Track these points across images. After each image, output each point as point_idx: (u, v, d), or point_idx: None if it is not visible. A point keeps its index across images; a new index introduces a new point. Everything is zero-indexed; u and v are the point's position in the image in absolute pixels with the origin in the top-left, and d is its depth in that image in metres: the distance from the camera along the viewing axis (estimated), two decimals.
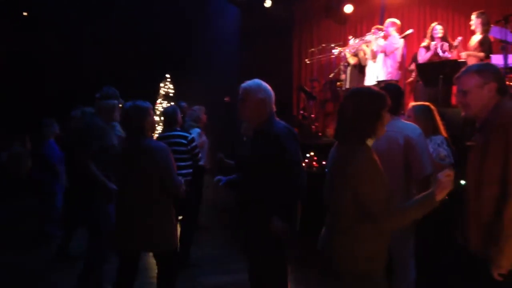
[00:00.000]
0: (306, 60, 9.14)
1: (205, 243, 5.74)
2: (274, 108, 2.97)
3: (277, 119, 2.96)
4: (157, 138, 4.77)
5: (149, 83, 9.80)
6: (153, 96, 10.31)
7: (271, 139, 2.82)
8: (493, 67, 2.39)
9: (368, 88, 2.32)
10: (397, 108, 3.18)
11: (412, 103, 3.77)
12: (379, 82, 6.92)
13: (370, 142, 2.20)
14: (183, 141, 4.73)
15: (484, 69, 2.31)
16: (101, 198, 3.65)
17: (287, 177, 2.75)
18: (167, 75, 10.36)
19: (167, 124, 4.86)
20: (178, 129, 4.85)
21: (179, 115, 4.90)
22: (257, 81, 2.96)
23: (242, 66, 9.32)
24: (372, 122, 2.15)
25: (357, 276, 2.11)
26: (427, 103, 3.74)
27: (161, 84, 10.41)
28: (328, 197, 2.25)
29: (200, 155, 4.96)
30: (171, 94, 10.43)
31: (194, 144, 4.81)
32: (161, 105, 10.46)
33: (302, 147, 6.28)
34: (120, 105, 3.82)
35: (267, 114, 2.90)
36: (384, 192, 2.06)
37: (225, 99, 9.40)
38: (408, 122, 3.30)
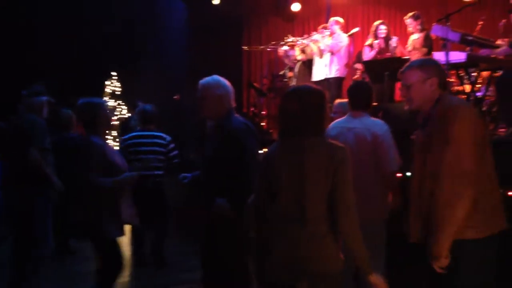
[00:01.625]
0: (245, 47, 9.19)
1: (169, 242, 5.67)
2: (234, 104, 2.99)
3: (237, 115, 2.99)
4: (134, 136, 4.70)
5: (94, 81, 9.50)
6: (99, 94, 10.01)
7: (229, 134, 2.83)
8: (435, 62, 2.47)
9: (307, 85, 2.38)
10: (367, 105, 3.35)
11: (337, 100, 3.89)
12: (328, 79, 7.10)
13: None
14: (162, 141, 4.70)
15: (426, 64, 2.39)
16: (43, 198, 3.60)
17: (244, 172, 2.76)
18: (113, 73, 10.07)
19: (145, 123, 4.78)
20: (156, 129, 4.80)
21: (156, 114, 4.87)
22: (215, 77, 2.98)
23: (191, 63, 9.23)
24: (322, 117, 2.22)
25: (337, 275, 2.14)
26: None
27: (107, 82, 10.11)
28: (286, 196, 2.19)
29: (176, 159, 4.90)
30: (117, 93, 10.16)
31: (173, 145, 4.77)
32: (107, 103, 10.18)
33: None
34: (47, 102, 3.90)
35: (226, 110, 2.92)
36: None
37: (174, 97, 9.28)
38: (375, 119, 3.42)
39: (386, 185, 3.30)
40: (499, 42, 5.93)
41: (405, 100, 2.43)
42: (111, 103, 10.15)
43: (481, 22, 6.59)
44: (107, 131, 3.26)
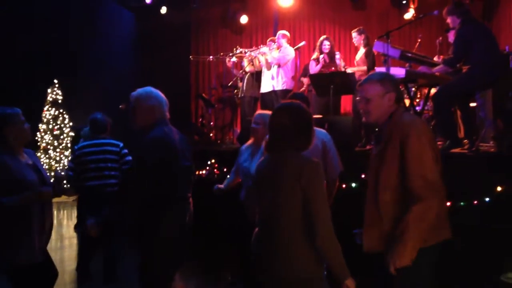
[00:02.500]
0: (191, 57, 9.22)
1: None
2: (168, 116, 2.95)
3: (171, 127, 2.93)
4: (84, 146, 4.51)
5: (35, 89, 9.11)
6: (40, 102, 9.61)
7: (138, 146, 2.85)
8: (393, 77, 2.54)
9: (299, 103, 2.41)
10: None
11: (258, 111, 4.00)
12: (275, 91, 7.23)
13: None
14: (115, 149, 4.51)
15: (385, 79, 2.46)
16: None
17: (129, 183, 2.82)
18: (55, 81, 9.71)
19: (96, 132, 4.58)
20: (108, 137, 4.60)
21: (109, 123, 4.66)
22: (148, 88, 2.95)
23: (138, 73, 9.09)
24: (310, 134, 2.32)
25: (303, 281, 2.18)
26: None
27: (49, 90, 9.73)
28: (266, 205, 2.29)
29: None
30: (59, 101, 9.79)
31: (125, 151, 4.59)
32: (49, 112, 9.78)
33: (203, 155, 6.32)
34: None
35: (154, 121, 2.85)
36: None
37: (120, 106, 9.08)
38: (319, 128, 3.56)
39: (330, 188, 3.48)
40: (436, 59, 6.30)
41: (363, 113, 2.50)
42: (52, 111, 9.77)
43: (419, 40, 6.99)
44: (21, 144, 2.95)
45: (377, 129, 2.55)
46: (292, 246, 2.17)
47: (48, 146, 9.63)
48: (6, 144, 2.85)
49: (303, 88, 7.97)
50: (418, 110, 5.79)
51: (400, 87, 5.11)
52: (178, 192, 2.87)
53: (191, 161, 3.03)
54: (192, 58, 9.23)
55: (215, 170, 6.31)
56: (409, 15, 8.57)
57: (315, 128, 3.47)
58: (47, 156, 9.59)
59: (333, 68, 6.95)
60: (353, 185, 4.50)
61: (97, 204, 3.53)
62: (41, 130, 9.64)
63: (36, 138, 9.49)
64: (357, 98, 2.54)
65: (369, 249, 2.41)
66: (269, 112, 3.80)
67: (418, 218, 2.19)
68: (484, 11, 8.48)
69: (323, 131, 3.58)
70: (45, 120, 9.70)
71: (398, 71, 4.67)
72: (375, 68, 6.03)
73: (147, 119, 2.86)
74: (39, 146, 9.53)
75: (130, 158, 4.57)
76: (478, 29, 4.72)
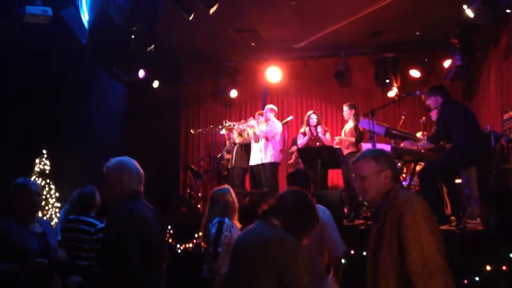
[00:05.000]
0: (191, 130, 9.33)
1: None
2: (141, 190, 2.73)
3: (144, 202, 2.72)
4: (67, 221, 4.35)
5: (22, 159, 9.07)
6: (27, 172, 9.53)
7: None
8: (388, 154, 2.42)
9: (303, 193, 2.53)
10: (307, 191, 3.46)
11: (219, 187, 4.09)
12: (263, 164, 7.31)
13: None
14: (89, 228, 4.20)
15: (380, 155, 2.35)
16: None
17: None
18: (44, 151, 9.71)
19: (82, 207, 4.37)
20: (93, 214, 4.35)
21: (98, 199, 4.42)
22: (120, 158, 2.77)
23: (128, 145, 9.15)
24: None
25: None
26: (226, 187, 4.03)
27: (37, 160, 9.70)
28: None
29: None
30: (47, 172, 9.73)
31: (101, 235, 4.21)
32: (34, 184, 9.66)
33: (190, 227, 6.23)
34: None
35: (123, 194, 2.64)
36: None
37: None
38: (317, 204, 3.54)
39: (334, 268, 3.41)
40: (419, 135, 6.50)
41: (358, 191, 2.36)
42: (39, 181, 9.67)
43: (403, 117, 7.24)
44: (30, 213, 3.03)
45: (366, 206, 2.56)
46: None
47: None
48: (15, 212, 2.96)
49: (291, 161, 8.08)
50: (405, 186, 5.88)
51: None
52: (147, 280, 2.52)
53: (165, 242, 2.82)
54: (193, 132, 9.35)
55: (202, 243, 6.20)
56: (392, 93, 8.93)
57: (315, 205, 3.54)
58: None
59: (317, 143, 7.11)
60: (342, 261, 4.45)
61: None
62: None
63: None
64: (353, 175, 2.45)
65: None
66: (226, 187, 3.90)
67: None
68: (464, 91, 8.87)
69: (321, 207, 3.47)
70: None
71: (384, 148, 4.80)
72: (361, 143, 6.18)
73: (115, 192, 2.66)
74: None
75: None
76: (458, 108, 4.94)
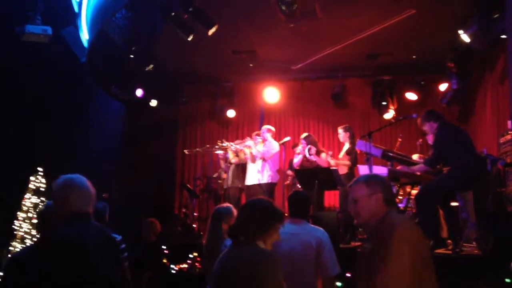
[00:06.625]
0: (185, 151, 9.31)
1: None
2: (88, 209, 2.54)
3: (91, 223, 2.54)
4: None
5: (17, 176, 9.02)
6: (21, 190, 9.47)
7: None
8: (380, 179, 2.51)
9: (263, 199, 2.57)
10: (307, 213, 3.61)
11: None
12: (260, 184, 7.28)
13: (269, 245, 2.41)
14: None
15: (371, 180, 2.44)
16: None
17: None
18: (40, 169, 9.67)
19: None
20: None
21: (107, 213, 4.39)
22: (69, 176, 2.61)
23: (124, 164, 9.13)
24: (266, 230, 2.40)
25: None
26: (230, 205, 3.93)
27: (32, 178, 9.64)
28: None
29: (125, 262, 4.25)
30: (42, 189, 9.67)
31: (121, 247, 4.07)
32: (29, 200, 9.61)
33: (185, 248, 6.18)
34: None
35: (69, 214, 2.48)
36: None
37: (103, 195, 8.99)
38: (316, 226, 3.62)
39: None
40: (416, 157, 6.51)
41: (353, 214, 2.48)
42: (33, 199, 9.60)
43: (399, 139, 7.26)
44: None
45: (361, 229, 2.57)
46: None
47: (25, 235, 9.33)
48: None
49: (288, 181, 8.07)
50: (401, 208, 5.86)
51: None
52: None
53: (113, 266, 2.56)
54: (187, 152, 9.35)
55: (197, 263, 6.14)
56: (389, 115, 8.99)
57: (313, 225, 3.55)
58: (23, 246, 9.24)
59: (313, 158, 7.04)
60: (338, 284, 4.41)
61: None
62: (20, 219, 9.40)
63: (14, 226, 9.22)
64: (349, 198, 2.54)
65: None
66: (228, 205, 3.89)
67: None
68: (460, 114, 8.92)
69: (320, 229, 3.55)
70: (24, 208, 9.50)
71: (381, 170, 4.82)
72: (358, 165, 6.18)
73: (60, 211, 2.50)
74: (16, 235, 9.23)
75: (126, 254, 4.15)
76: (454, 132, 4.97)
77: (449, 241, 4.86)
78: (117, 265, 2.61)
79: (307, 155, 7.00)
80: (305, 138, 7.24)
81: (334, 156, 7.40)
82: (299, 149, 7.40)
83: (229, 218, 3.78)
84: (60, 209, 2.52)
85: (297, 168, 7.18)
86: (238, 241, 2.38)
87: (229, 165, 8.29)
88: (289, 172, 7.91)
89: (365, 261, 2.34)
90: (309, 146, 7.05)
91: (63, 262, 2.33)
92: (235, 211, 3.85)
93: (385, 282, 2.12)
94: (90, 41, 7.51)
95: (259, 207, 2.47)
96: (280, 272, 2.27)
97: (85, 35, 7.87)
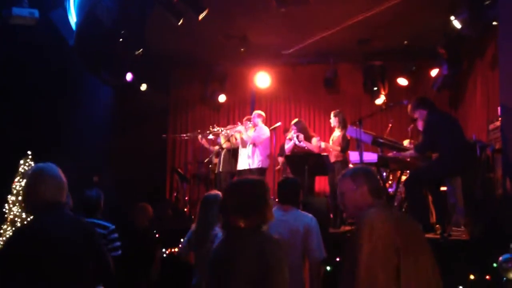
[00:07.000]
0: (184, 135, 9.25)
1: None
2: (60, 199, 2.53)
3: (65, 213, 2.52)
4: None
5: (6, 159, 8.95)
6: (11, 173, 9.40)
7: None
8: (365, 171, 2.52)
9: (248, 178, 2.50)
10: (297, 200, 3.60)
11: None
12: (250, 169, 7.29)
13: (265, 227, 2.32)
14: (103, 231, 4.14)
15: (357, 173, 2.48)
16: None
17: None
18: (29, 152, 9.59)
19: (88, 210, 4.29)
20: (99, 217, 4.30)
21: (101, 199, 4.40)
22: (40, 165, 2.60)
23: (114, 148, 9.07)
24: (262, 208, 2.30)
25: None
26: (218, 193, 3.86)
27: (21, 161, 9.56)
28: None
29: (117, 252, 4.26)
30: None
31: (114, 236, 4.23)
32: (19, 183, 9.54)
33: (176, 232, 6.22)
34: None
35: (39, 204, 2.48)
36: None
37: (93, 178, 8.96)
38: (305, 212, 3.65)
39: (312, 274, 3.46)
40: (406, 143, 6.55)
41: (342, 207, 2.56)
42: (23, 183, 9.53)
43: (390, 124, 7.29)
44: None
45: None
46: None
47: (16, 219, 9.29)
48: None
49: (278, 167, 8.09)
50: (391, 192, 5.91)
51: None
52: None
53: (89, 255, 2.52)
54: (164, 136, 9.30)
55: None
56: (380, 100, 9.01)
57: (301, 212, 3.57)
58: (14, 228, 9.21)
59: (300, 149, 7.05)
60: (328, 268, 4.45)
61: None
62: (10, 202, 9.34)
63: (4, 209, 9.18)
64: (338, 192, 2.56)
65: None
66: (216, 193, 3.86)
67: None
68: (451, 100, 8.97)
69: (309, 215, 3.58)
70: (14, 191, 9.43)
71: (371, 157, 4.83)
72: (349, 151, 6.20)
73: (31, 201, 2.52)
74: (6, 218, 9.19)
75: (118, 244, 4.25)
76: (444, 119, 4.99)
77: (437, 226, 4.91)
78: (96, 255, 2.56)
79: (297, 143, 7.00)
80: (295, 124, 7.24)
81: (325, 141, 7.41)
82: (290, 134, 7.40)
83: (218, 205, 3.77)
84: (31, 199, 2.51)
85: (288, 153, 7.19)
86: (237, 227, 2.26)
87: (220, 149, 8.28)
88: (280, 158, 7.92)
89: (348, 253, 2.31)
90: (297, 134, 7.04)
91: (36, 253, 2.33)
92: None
93: (358, 273, 2.12)
94: (78, 24, 7.39)
95: (249, 187, 2.35)
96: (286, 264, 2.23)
97: (73, 18, 7.74)
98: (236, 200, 2.29)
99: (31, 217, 2.59)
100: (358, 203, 2.41)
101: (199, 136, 8.40)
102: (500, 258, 3.36)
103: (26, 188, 2.56)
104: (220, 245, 2.34)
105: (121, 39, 7.73)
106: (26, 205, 2.59)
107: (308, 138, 7.08)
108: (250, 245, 2.18)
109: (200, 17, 6.24)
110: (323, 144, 7.01)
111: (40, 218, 2.46)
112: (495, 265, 3.70)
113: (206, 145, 8.59)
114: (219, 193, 3.91)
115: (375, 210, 2.32)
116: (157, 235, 6.18)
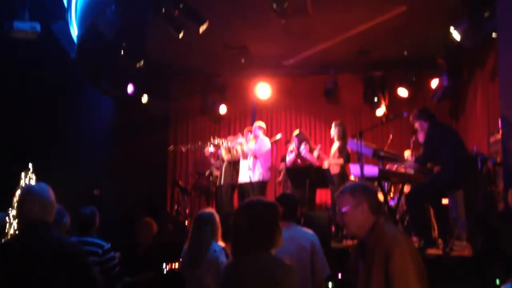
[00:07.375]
0: (182, 148, 9.24)
1: None
2: (45, 219, 2.52)
3: (49, 233, 2.50)
4: None
5: (8, 173, 8.94)
6: (12, 187, 9.39)
7: None
8: (364, 187, 2.43)
9: (260, 200, 2.42)
10: (294, 215, 3.56)
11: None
12: (251, 182, 7.26)
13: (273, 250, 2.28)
14: (98, 250, 4.03)
15: (357, 189, 2.38)
16: None
17: None
18: (30, 165, 9.58)
19: (82, 229, 4.19)
20: (95, 235, 4.20)
21: (97, 218, 4.29)
22: (30, 186, 2.76)
23: (115, 160, 9.07)
24: (273, 232, 2.27)
25: None
26: (212, 211, 3.88)
27: (23, 174, 9.55)
28: None
29: (114, 270, 4.19)
30: None
31: (110, 255, 4.13)
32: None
33: (176, 246, 6.16)
34: None
35: (24, 223, 2.53)
36: None
37: (94, 192, 8.95)
38: (306, 228, 3.61)
39: None
40: (408, 154, 6.53)
41: (341, 225, 2.47)
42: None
43: (391, 136, 7.27)
44: None
45: (357, 242, 2.50)
46: None
47: (17, 232, 9.25)
48: None
49: (279, 178, 8.06)
50: (393, 205, 5.88)
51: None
52: None
53: (73, 277, 2.48)
54: (172, 148, 9.29)
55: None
56: (380, 111, 9.00)
57: (303, 228, 3.54)
58: None
59: (303, 162, 7.04)
60: (330, 285, 4.42)
61: None
62: (11, 216, 9.31)
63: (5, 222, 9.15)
64: (337, 209, 2.48)
65: None
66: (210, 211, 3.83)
67: None
68: (451, 111, 8.96)
69: (311, 232, 3.54)
70: (15, 205, 9.41)
71: (372, 170, 4.81)
72: (350, 164, 6.17)
73: (20, 221, 2.55)
74: (7, 233, 9.15)
75: (115, 262, 4.16)
76: (445, 131, 4.98)
77: (439, 240, 4.89)
78: (81, 276, 2.53)
79: (302, 153, 6.98)
80: (297, 136, 7.23)
81: (326, 154, 7.38)
82: (291, 146, 7.39)
83: (212, 224, 3.76)
84: (19, 218, 2.57)
85: (289, 166, 7.17)
86: (246, 250, 2.22)
87: (221, 162, 8.25)
88: (281, 165, 7.88)
89: (362, 278, 2.26)
90: (303, 143, 7.04)
91: (14, 271, 2.35)
92: (217, 216, 3.83)
93: None
94: (80, 36, 7.42)
95: (260, 210, 2.30)
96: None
97: (74, 30, 7.77)
98: (247, 223, 2.24)
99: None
100: (359, 221, 2.33)
101: (206, 149, 8.36)
102: None
103: (15, 207, 2.65)
104: (229, 268, 2.31)
105: (122, 51, 7.76)
106: (17, 223, 2.66)
107: (310, 150, 7.07)
108: (262, 270, 2.14)
109: (201, 30, 6.26)
110: (326, 164, 6.91)
111: (21, 238, 2.51)
112: (498, 281, 3.67)
113: (212, 160, 8.57)
114: (213, 211, 3.90)
115: (395, 229, 2.29)
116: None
